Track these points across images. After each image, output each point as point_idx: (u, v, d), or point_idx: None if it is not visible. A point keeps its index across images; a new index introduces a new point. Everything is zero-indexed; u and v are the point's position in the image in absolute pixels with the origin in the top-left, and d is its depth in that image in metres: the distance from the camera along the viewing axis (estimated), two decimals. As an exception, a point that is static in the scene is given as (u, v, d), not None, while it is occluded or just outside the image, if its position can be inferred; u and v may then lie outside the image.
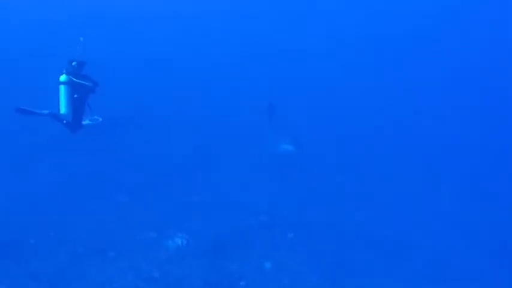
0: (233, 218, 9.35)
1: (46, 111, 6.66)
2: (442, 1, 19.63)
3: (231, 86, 15.81)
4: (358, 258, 8.53)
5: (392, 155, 11.89)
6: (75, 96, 6.63)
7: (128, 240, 8.48)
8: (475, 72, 15.77)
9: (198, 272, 7.80)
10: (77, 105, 6.67)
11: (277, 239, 8.82)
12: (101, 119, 7.36)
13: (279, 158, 11.36)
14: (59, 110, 6.58)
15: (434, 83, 15.72)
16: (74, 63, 6.71)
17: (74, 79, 6.56)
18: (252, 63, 17.61)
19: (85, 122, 7.17)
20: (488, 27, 18.11)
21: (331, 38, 19.36)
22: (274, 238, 8.82)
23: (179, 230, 8.70)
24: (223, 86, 15.85)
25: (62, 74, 6.60)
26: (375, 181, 10.90)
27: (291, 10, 21.83)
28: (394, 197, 10.36)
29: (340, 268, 8.20)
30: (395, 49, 17.96)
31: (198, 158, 11.65)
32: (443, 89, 15.18)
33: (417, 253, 8.77)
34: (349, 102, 14.53)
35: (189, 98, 14.67)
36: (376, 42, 18.40)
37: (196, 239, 8.57)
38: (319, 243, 8.82)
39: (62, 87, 6.54)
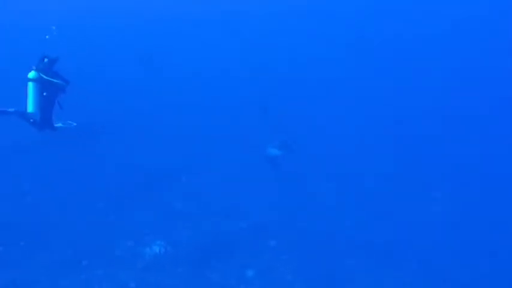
0: (215, 225, 9.18)
1: (12, 109, 6.46)
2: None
3: (220, 89, 15.74)
4: (347, 266, 8.36)
5: (384, 158, 11.77)
6: (44, 94, 6.44)
7: (103, 248, 8.29)
8: (471, 74, 15.89)
9: (177, 281, 7.61)
10: (46, 104, 6.47)
11: (260, 246, 8.65)
12: (75, 124, 7.19)
13: (264, 163, 11.20)
14: (26, 108, 6.39)
15: (427, 83, 15.73)
16: (45, 60, 6.54)
17: (44, 76, 6.38)
18: (244, 65, 17.57)
19: (58, 124, 6.99)
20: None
21: (326, 39, 19.48)
22: (256, 246, 8.65)
23: (157, 238, 8.51)
24: (211, 89, 15.78)
25: (31, 71, 6.43)
26: (365, 186, 10.75)
27: (284, 10, 21.91)
28: (386, 202, 10.20)
29: (328, 277, 8.03)
30: (390, 50, 18.08)
31: (182, 163, 11.45)
32: (437, 89, 15.19)
33: (410, 261, 8.61)
34: (343, 106, 14.49)
35: (175, 101, 14.53)
36: (369, 44, 18.52)
37: (175, 247, 8.39)
38: (305, 250, 8.65)
39: (30, 85, 6.36)
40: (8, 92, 7.47)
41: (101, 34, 19.80)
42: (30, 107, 6.32)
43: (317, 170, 11.23)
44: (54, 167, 10.66)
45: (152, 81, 15.93)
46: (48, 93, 6.40)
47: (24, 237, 8.46)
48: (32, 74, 6.32)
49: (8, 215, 8.99)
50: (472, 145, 11.98)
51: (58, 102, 6.61)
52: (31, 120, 6.50)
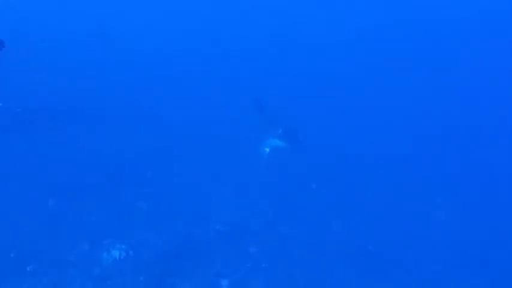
0: (186, 227, 8.84)
1: None
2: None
3: (206, 79, 15.61)
4: (335, 276, 8.16)
5: (385, 161, 11.64)
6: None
7: (52, 251, 7.82)
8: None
9: (139, 291, 7.24)
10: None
11: (237, 253, 8.37)
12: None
13: (249, 160, 10.88)
14: None
15: (428, 86, 15.86)
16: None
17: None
18: (237, 55, 17.42)
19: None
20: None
21: (336, 27, 19.60)
22: (233, 252, 8.37)
23: (117, 241, 8.12)
24: (197, 78, 15.63)
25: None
26: (358, 188, 10.57)
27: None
28: (383, 207, 10.07)
29: (313, 288, 7.78)
30: (397, 43, 18.25)
31: (150, 156, 11.12)
32: (440, 91, 15.31)
33: (403, 271, 8.49)
34: (349, 102, 14.54)
35: (147, 88, 14.26)
36: (379, 34, 18.67)
37: (138, 251, 8.03)
38: (288, 258, 8.39)
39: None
40: None
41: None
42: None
43: (312, 168, 11.03)
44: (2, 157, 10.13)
45: (120, 63, 15.57)
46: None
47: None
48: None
49: None
50: (476, 149, 12.01)
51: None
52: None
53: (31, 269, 7.46)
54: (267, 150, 10.04)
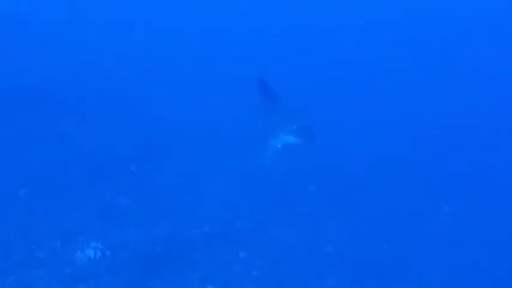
0: (170, 227, 8.60)
1: None
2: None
3: (207, 65, 15.51)
4: (328, 286, 8.01)
5: (386, 162, 11.54)
6: None
7: (19, 248, 7.51)
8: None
9: (115, 295, 6.96)
10: None
11: (226, 257, 8.15)
12: None
13: (250, 157, 10.59)
14: None
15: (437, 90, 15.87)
16: None
17: None
18: (247, 41, 17.36)
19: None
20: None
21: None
22: (221, 256, 8.15)
23: (93, 239, 7.83)
24: (196, 65, 15.51)
25: None
26: (359, 191, 10.43)
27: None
28: (380, 212, 9.92)
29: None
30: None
31: (140, 150, 10.91)
32: (451, 94, 15.31)
33: (404, 283, 8.39)
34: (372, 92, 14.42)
35: (134, 70, 14.13)
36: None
37: (115, 252, 7.73)
38: (281, 265, 8.17)
39: None
40: None
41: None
42: None
43: (318, 168, 10.87)
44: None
45: (113, 51, 15.48)
46: None
47: None
48: None
49: None
50: (485, 153, 11.97)
51: None
52: None
53: (-6, 268, 7.11)
54: (279, 146, 9.52)
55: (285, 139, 9.12)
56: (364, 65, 16.65)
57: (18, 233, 7.83)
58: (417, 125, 13.22)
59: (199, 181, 10.16)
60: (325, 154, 10.58)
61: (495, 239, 9.66)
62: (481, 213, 10.30)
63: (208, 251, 8.21)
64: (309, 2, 21.64)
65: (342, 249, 8.87)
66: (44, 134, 10.67)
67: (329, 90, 14.11)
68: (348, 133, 11.98)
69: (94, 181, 9.49)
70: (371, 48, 17.73)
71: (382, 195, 10.44)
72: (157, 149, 11.05)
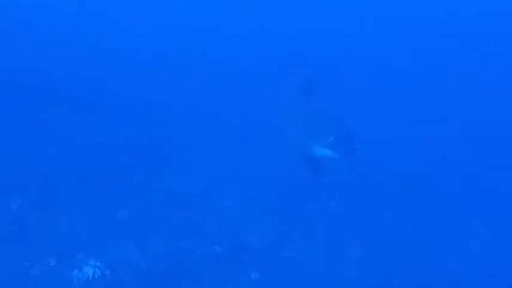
0: (175, 245, 8.34)
1: None
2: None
3: (231, 57, 15.36)
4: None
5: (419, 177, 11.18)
6: None
7: (12, 265, 7.32)
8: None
9: (114, 319, 6.71)
10: None
11: (236, 279, 7.91)
12: None
13: (268, 165, 10.44)
14: None
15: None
16: None
17: None
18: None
19: None
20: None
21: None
22: (231, 278, 7.91)
23: (91, 256, 7.66)
24: (216, 56, 15.40)
25: None
26: (383, 210, 10.08)
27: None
28: (406, 234, 9.59)
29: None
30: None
31: (144, 156, 10.64)
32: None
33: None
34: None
35: (153, 71, 13.94)
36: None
37: (116, 270, 7.55)
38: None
39: None
40: None
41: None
42: None
43: (340, 181, 10.51)
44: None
45: (115, 40, 15.55)
46: None
47: None
48: None
49: None
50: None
51: None
52: None
53: (-16, 286, 6.86)
54: (330, 153, 8.99)
55: (319, 151, 8.45)
56: (421, 74, 16.11)
57: (10, 248, 7.64)
58: (460, 141, 12.79)
59: (209, 192, 9.86)
60: (355, 168, 10.20)
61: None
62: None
63: (216, 271, 7.97)
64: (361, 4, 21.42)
65: (365, 273, 8.56)
66: (38, 134, 10.47)
67: (377, 100, 13.59)
68: (385, 147, 11.57)
69: (93, 191, 9.26)
70: (429, 55, 17.23)
71: (411, 214, 10.10)
72: (165, 155, 10.79)
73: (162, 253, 8.12)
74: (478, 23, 19.63)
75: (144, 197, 9.39)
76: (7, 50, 12.96)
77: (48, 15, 16.72)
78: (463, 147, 12.46)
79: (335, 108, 9.15)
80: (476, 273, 8.94)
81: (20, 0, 16.86)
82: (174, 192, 9.69)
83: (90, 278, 7.34)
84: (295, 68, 13.51)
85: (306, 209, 9.90)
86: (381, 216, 9.92)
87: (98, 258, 7.64)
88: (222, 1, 20.78)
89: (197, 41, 16.59)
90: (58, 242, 7.93)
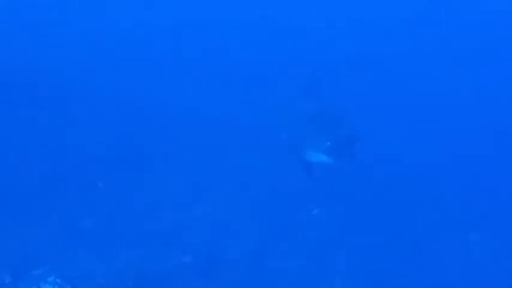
0: (143, 257, 8.11)
1: None
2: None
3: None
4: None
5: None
6: None
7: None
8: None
9: None
10: None
11: None
12: None
13: (255, 168, 10.12)
14: None
15: None
16: None
17: None
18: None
19: None
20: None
21: None
22: None
23: (52, 271, 7.48)
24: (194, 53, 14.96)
25: None
26: (375, 218, 9.65)
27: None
28: (398, 242, 9.22)
29: None
30: None
31: (111, 159, 10.31)
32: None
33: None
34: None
35: (126, 69, 13.42)
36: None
37: (78, 286, 7.35)
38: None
39: None
40: None
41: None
42: None
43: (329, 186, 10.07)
44: None
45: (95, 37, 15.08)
46: None
47: None
48: None
49: None
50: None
51: None
52: None
53: None
54: (326, 158, 8.59)
55: (314, 156, 8.07)
56: (427, 74, 15.67)
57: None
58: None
59: (184, 198, 9.54)
60: (351, 174, 9.74)
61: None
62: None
63: (188, 284, 7.76)
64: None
65: (352, 285, 8.26)
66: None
67: (381, 101, 13.05)
68: (387, 151, 11.09)
69: (53, 198, 9.02)
70: (433, 55, 16.89)
71: (407, 223, 9.72)
72: (134, 158, 10.44)
73: (129, 266, 7.93)
74: (480, 22, 19.59)
75: (110, 204, 9.13)
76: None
77: (46, 14, 16.53)
78: (465, 152, 12.13)
79: (335, 110, 8.88)
80: (475, 284, 8.63)
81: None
82: (142, 199, 9.43)
83: (49, 295, 7.06)
84: (294, 68, 13.15)
85: (293, 217, 9.49)
86: (373, 225, 9.50)
87: (58, 274, 7.41)
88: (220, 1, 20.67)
89: (188, 41, 16.34)
90: (13, 256, 7.75)
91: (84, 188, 9.40)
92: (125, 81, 12.87)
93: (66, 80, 12.39)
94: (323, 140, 7.78)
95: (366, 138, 8.17)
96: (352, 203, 9.91)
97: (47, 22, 15.93)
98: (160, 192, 9.60)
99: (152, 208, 9.20)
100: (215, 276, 7.92)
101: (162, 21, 17.57)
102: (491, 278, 8.70)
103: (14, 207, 8.66)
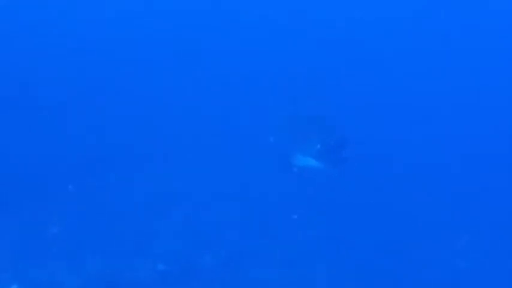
0: (114, 264, 7.89)
1: None
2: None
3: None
4: None
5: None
6: None
7: None
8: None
9: None
10: None
11: None
12: None
13: (237, 173, 10.01)
14: None
15: None
16: None
17: None
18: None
19: None
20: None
21: None
22: None
23: (15, 279, 7.30)
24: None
25: None
26: (361, 226, 9.56)
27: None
28: (390, 252, 9.11)
29: None
30: None
31: (83, 162, 10.09)
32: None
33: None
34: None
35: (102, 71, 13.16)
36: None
37: None
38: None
39: None
40: None
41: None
42: None
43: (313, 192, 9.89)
44: None
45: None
46: None
47: None
48: None
49: None
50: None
51: None
52: None
53: None
54: (294, 170, 8.50)
55: (302, 161, 8.06)
56: (422, 77, 15.71)
57: None
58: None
59: (157, 203, 9.37)
60: (338, 180, 9.63)
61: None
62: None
63: None
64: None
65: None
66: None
67: (376, 104, 12.99)
68: (378, 156, 11.02)
69: (17, 203, 8.76)
70: (428, 57, 16.99)
71: (393, 232, 9.64)
72: (108, 162, 10.24)
73: (100, 274, 7.71)
74: (480, 23, 19.84)
75: (79, 209, 8.92)
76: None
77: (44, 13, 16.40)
78: (454, 159, 12.16)
79: (328, 113, 8.85)
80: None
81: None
82: (114, 204, 9.21)
83: (11, 304, 6.87)
84: (287, 71, 13.13)
85: (273, 224, 9.35)
86: (357, 234, 9.39)
87: (22, 282, 7.29)
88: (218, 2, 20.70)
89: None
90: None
91: (52, 192, 9.19)
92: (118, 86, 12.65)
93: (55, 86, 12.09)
94: (314, 143, 7.79)
95: (359, 142, 8.23)
96: (334, 210, 9.81)
97: (46, 22, 15.89)
98: (134, 197, 9.45)
99: (125, 214, 9.00)
100: (190, 286, 7.76)
101: (162, 21, 17.58)
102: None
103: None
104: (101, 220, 8.72)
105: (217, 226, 9.05)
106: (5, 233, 8.15)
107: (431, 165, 11.75)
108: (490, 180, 11.40)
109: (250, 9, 19.23)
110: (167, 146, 10.74)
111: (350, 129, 8.43)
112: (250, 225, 9.16)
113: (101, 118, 11.38)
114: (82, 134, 10.75)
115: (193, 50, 15.65)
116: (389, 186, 10.58)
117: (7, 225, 8.32)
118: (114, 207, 9.12)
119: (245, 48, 16.24)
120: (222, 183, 9.89)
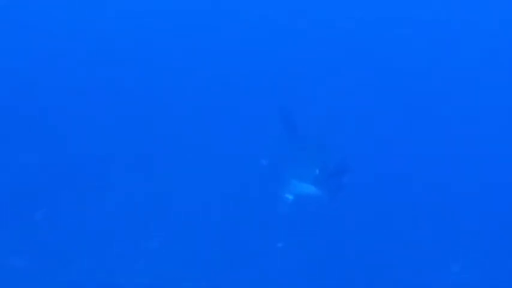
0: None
1: None
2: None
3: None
4: None
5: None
6: None
7: None
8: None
9: None
10: None
11: None
12: None
13: (224, 197, 9.63)
14: None
15: None
16: None
17: None
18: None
19: None
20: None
21: None
22: None
23: None
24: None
25: None
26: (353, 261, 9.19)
27: None
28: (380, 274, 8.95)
29: None
30: None
31: (51, 184, 9.74)
32: None
33: None
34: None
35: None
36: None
37: None
38: None
39: None
40: None
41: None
42: None
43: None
44: None
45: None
46: None
47: None
48: None
49: None
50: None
51: None
52: None
53: None
54: (290, 198, 8.21)
55: (298, 187, 7.82)
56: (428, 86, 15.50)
57: None
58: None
59: (132, 228, 9.13)
60: (337, 207, 9.35)
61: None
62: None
63: None
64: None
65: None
66: None
67: (380, 122, 12.79)
68: (381, 182, 10.74)
69: None
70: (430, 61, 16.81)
71: (381, 259, 9.39)
72: (75, 182, 9.93)
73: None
74: (480, 24, 19.77)
75: (46, 238, 8.68)
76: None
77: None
78: (450, 182, 11.84)
79: (328, 132, 8.74)
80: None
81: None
82: (89, 231, 8.97)
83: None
84: (282, 83, 13.00)
85: (256, 251, 9.06)
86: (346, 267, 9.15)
87: None
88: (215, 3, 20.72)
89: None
90: None
91: (18, 219, 8.92)
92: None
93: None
94: (312, 167, 7.56)
95: (361, 165, 8.18)
96: (323, 239, 9.48)
97: (47, 22, 16.03)
98: (107, 222, 9.14)
99: (97, 242, 8.79)
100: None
101: (161, 22, 17.49)
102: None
103: None
104: (69, 249, 8.58)
105: (194, 251, 8.89)
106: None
107: (444, 198, 11.40)
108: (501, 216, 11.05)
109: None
110: (137, 167, 10.50)
111: (351, 150, 8.33)
112: (230, 252, 8.99)
113: (100, 118, 11.33)
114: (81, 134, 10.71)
115: (193, 50, 15.53)
116: (387, 215, 10.27)
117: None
118: (84, 235, 8.93)
119: (245, 49, 16.14)
120: (200, 208, 9.65)
